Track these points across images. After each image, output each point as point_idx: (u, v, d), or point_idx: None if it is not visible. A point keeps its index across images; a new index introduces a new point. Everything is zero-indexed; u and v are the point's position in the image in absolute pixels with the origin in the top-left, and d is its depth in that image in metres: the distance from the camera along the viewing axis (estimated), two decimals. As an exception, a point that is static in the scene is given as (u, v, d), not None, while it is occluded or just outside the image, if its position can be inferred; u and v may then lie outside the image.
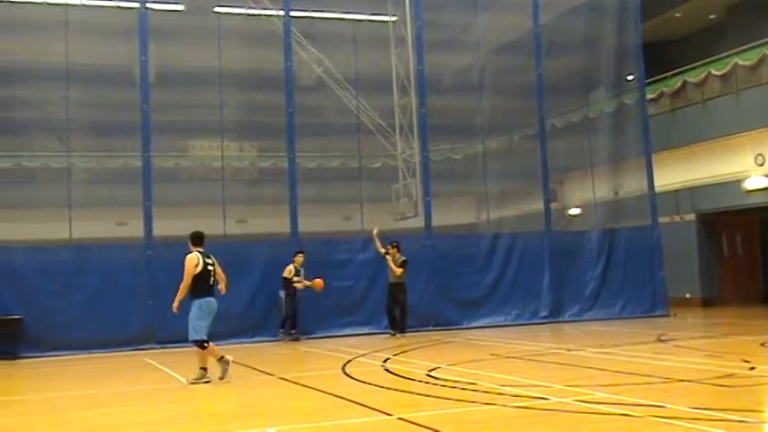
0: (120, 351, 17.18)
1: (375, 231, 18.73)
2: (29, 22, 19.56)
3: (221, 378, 11.52)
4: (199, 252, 11.70)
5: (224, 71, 20.74)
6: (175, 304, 11.57)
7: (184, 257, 11.69)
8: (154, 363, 14.89)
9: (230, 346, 17.64)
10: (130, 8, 19.73)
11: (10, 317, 17.08)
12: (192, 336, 11.53)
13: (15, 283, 17.42)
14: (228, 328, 18.42)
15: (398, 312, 18.44)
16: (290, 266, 18.40)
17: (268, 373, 12.65)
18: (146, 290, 17.79)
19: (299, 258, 18.48)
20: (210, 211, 20.28)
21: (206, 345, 11.55)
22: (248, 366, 13.61)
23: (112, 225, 19.58)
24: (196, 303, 11.55)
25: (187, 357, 12.11)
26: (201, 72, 20.79)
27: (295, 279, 18.37)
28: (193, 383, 11.36)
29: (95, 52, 19.65)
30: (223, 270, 11.96)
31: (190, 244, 11.82)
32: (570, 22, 22.98)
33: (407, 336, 18.17)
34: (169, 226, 18.27)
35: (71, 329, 17.23)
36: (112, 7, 20.17)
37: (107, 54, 19.78)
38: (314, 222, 20.39)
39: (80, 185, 20.22)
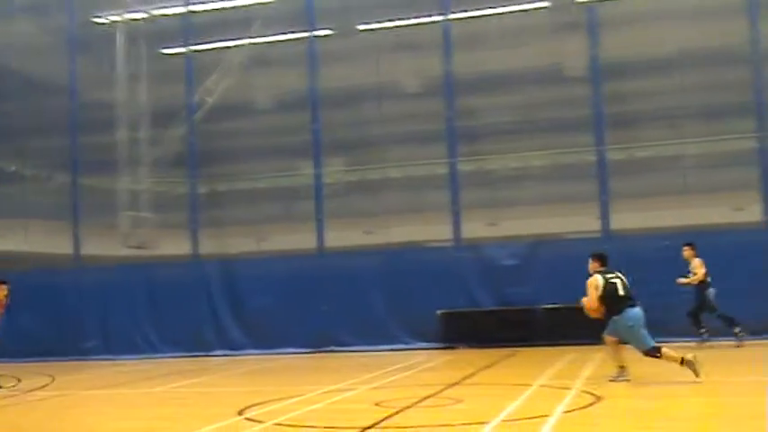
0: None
1: None
2: (638, 16, 20.02)
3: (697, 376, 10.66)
4: (599, 272, 11.42)
5: None
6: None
7: None
8: None
9: None
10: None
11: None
12: (643, 348, 11.11)
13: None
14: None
15: None
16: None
17: None
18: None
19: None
20: None
21: (658, 354, 11.03)
22: None
23: (729, 210, 18.97)
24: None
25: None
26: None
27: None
28: (612, 380, 11.13)
29: (705, 35, 19.29)
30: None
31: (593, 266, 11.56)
32: None
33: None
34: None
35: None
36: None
37: (718, 35, 19.27)
38: None
39: (693, 171, 20.02)
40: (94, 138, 22.17)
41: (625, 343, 11.40)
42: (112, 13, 22.45)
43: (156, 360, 18.78)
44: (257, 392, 12.05)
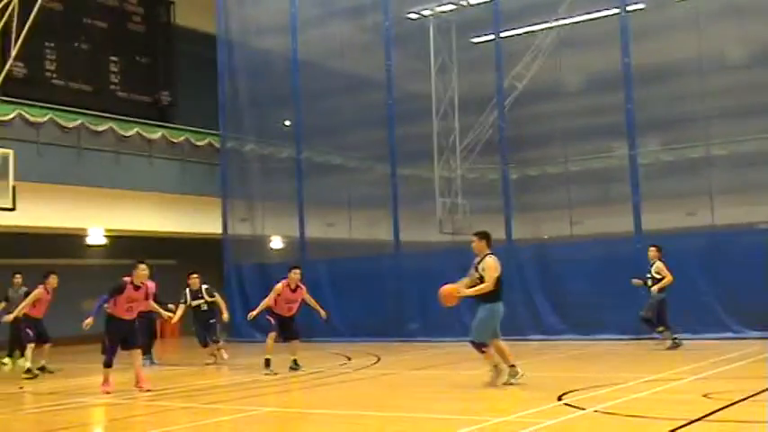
0: None
1: None
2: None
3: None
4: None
5: None
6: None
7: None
8: None
9: None
10: None
11: None
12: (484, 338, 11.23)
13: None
14: None
15: None
16: None
17: None
18: None
19: None
20: None
21: (484, 349, 11.26)
22: None
23: None
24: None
25: None
26: None
27: None
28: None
29: None
30: None
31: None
32: None
33: None
34: None
35: None
36: None
37: None
38: None
39: None
40: (410, 128, 23.08)
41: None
42: (425, 7, 23.18)
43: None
44: (576, 378, 11.88)
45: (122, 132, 23.43)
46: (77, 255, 25.08)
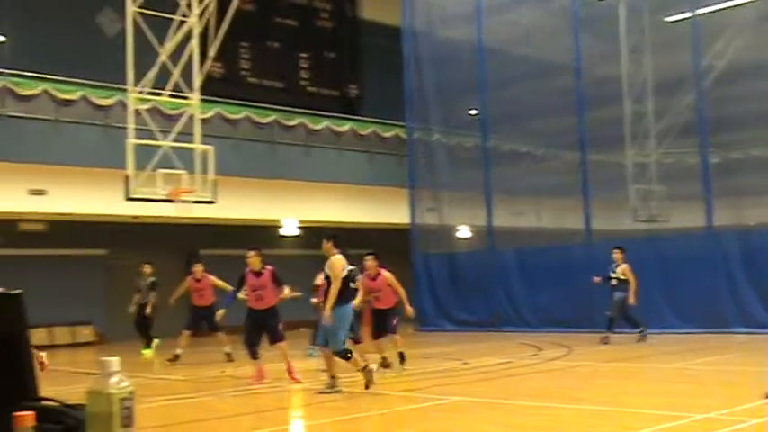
0: None
1: None
2: None
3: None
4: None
5: None
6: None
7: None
8: None
9: None
10: None
11: None
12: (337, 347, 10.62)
13: None
14: None
15: None
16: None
17: None
18: None
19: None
20: None
21: (349, 356, 10.65)
22: None
23: None
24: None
25: None
26: None
27: None
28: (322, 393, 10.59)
29: None
30: None
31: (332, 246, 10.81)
32: None
33: None
34: None
35: None
36: None
37: None
38: None
39: None
40: (601, 113, 22.29)
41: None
42: (615, -13, 22.35)
43: (670, 335, 18.24)
44: (787, 374, 10.99)
45: (313, 126, 24.09)
46: (272, 245, 26.00)
